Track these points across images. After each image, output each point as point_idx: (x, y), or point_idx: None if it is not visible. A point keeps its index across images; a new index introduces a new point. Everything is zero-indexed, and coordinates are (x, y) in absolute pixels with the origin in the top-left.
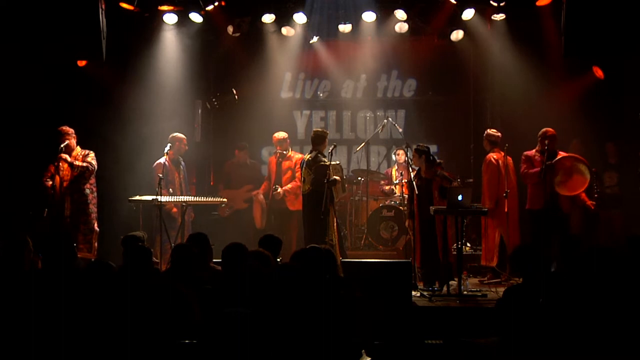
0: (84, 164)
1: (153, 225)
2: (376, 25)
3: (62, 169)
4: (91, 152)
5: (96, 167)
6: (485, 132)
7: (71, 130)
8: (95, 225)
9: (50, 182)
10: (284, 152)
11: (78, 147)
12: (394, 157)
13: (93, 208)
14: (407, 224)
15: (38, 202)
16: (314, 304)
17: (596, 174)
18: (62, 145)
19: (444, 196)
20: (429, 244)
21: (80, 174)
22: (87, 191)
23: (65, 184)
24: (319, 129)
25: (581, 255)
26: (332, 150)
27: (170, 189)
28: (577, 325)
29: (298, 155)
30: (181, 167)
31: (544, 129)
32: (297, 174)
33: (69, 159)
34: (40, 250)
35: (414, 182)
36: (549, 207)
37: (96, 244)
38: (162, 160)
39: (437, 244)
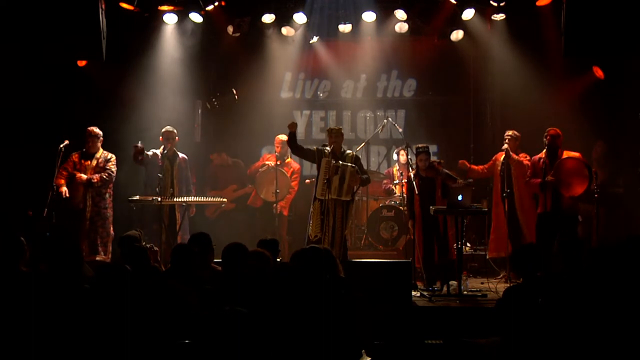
0: (104, 176)
1: (149, 224)
2: (376, 25)
3: (84, 171)
4: (113, 155)
5: (115, 172)
6: (513, 132)
7: (99, 133)
8: (111, 229)
9: (62, 182)
10: (284, 157)
11: (101, 149)
12: (395, 157)
13: (110, 212)
14: (409, 224)
15: (38, 202)
16: (314, 304)
17: (595, 174)
18: (61, 145)
19: (446, 196)
20: (431, 243)
21: (103, 182)
22: (107, 196)
23: (87, 189)
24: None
25: (582, 255)
26: (331, 150)
27: (157, 189)
28: (577, 325)
29: (296, 165)
30: (176, 163)
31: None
32: (294, 183)
33: (84, 177)
34: (49, 253)
35: (414, 183)
36: (553, 211)
37: (110, 247)
38: (150, 153)
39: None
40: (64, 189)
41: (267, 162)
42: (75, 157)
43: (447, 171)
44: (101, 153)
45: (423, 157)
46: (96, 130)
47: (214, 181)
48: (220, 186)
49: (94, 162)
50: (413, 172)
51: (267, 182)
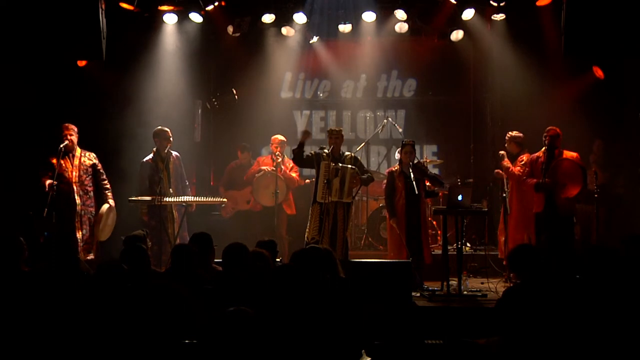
0: (108, 187)
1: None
2: (376, 25)
3: (66, 169)
4: (92, 153)
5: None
6: (509, 135)
7: (75, 128)
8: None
9: (50, 182)
10: (281, 156)
11: (78, 147)
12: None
13: (95, 211)
14: (393, 222)
15: (38, 201)
16: (314, 304)
17: (595, 174)
18: (62, 145)
19: (429, 196)
20: (417, 244)
21: (88, 175)
22: (92, 193)
23: (75, 186)
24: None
25: (579, 255)
26: (330, 151)
27: (158, 190)
28: (577, 325)
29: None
30: (171, 162)
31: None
32: (295, 175)
33: (104, 209)
34: (47, 251)
35: (413, 183)
36: (549, 211)
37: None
38: (146, 158)
39: (421, 243)
40: (48, 181)
41: (263, 167)
42: (53, 160)
43: (434, 174)
44: (80, 151)
45: (408, 150)
46: (72, 126)
47: (230, 181)
48: (235, 186)
49: (75, 161)
50: (396, 167)
51: (263, 187)
